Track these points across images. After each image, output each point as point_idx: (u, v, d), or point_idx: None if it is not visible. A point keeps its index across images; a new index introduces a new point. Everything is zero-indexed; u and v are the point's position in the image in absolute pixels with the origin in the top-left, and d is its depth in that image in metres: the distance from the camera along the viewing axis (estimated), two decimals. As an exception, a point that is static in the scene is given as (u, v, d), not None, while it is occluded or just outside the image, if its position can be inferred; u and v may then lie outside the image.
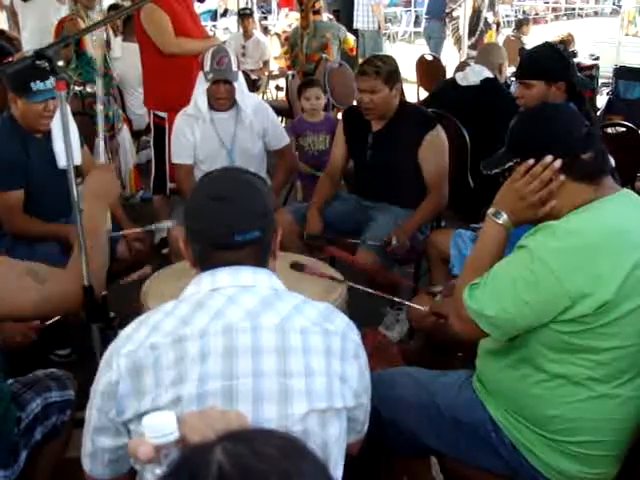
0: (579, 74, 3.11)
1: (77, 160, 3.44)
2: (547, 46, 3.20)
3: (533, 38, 8.91)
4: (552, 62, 2.98)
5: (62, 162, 2.59)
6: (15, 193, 3.14)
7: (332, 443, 1.39)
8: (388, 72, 3.31)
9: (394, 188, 3.44)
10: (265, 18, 14.50)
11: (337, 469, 1.43)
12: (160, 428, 0.86)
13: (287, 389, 1.33)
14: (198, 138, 3.68)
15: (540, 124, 1.83)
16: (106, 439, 1.39)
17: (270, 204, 1.52)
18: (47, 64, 1.73)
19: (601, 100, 6.73)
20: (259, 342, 1.35)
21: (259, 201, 1.48)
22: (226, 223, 1.43)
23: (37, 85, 2.91)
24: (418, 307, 2.52)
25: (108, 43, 5.06)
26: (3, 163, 3.11)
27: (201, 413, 0.90)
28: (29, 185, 3.17)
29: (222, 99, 3.58)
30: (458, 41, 8.57)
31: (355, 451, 1.63)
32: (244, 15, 8.07)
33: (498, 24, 9.12)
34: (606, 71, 7.01)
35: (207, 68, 3.52)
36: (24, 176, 3.15)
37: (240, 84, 3.62)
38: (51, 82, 2.33)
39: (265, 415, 1.32)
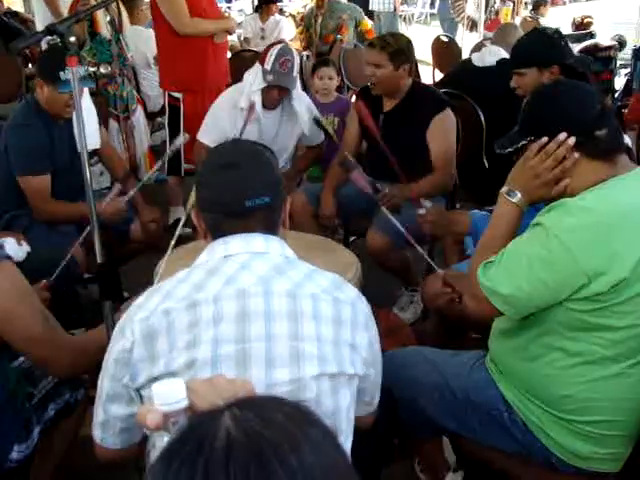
0: (580, 54, 3.10)
1: (96, 143, 3.46)
2: (536, 32, 3.21)
3: (551, 20, 8.81)
4: (541, 48, 3.00)
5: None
6: (43, 177, 3.16)
7: (342, 411, 1.40)
8: (395, 50, 3.28)
9: (405, 169, 3.42)
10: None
11: (347, 441, 1.44)
12: (169, 395, 0.87)
13: (298, 352, 1.35)
14: (238, 130, 3.62)
15: (553, 101, 1.81)
16: (119, 407, 1.41)
17: (279, 174, 1.53)
18: (58, 40, 1.73)
19: (619, 81, 6.65)
20: (271, 307, 1.36)
21: (268, 169, 1.50)
22: (236, 189, 1.44)
23: (66, 74, 2.91)
24: (434, 266, 2.49)
25: (121, 24, 5.04)
26: (31, 148, 3.13)
27: (208, 381, 0.91)
28: (53, 169, 3.19)
29: (274, 102, 3.55)
30: (468, 22, 8.49)
31: (368, 423, 1.64)
32: (269, 1, 7.89)
33: (514, 3, 9.03)
34: (625, 52, 6.92)
35: (268, 67, 3.41)
36: (49, 161, 3.17)
37: (297, 89, 3.57)
38: (81, 71, 2.33)
39: (278, 378, 1.33)
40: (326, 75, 4.37)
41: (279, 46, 3.49)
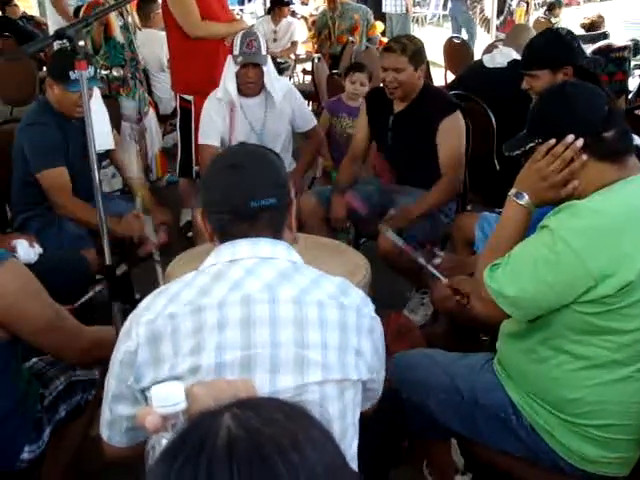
0: (593, 54, 3.04)
1: (110, 144, 3.48)
2: (548, 33, 3.14)
3: (565, 20, 8.77)
4: (554, 49, 2.92)
5: (96, 147, 2.60)
6: (63, 170, 3.15)
7: (348, 414, 1.41)
8: (414, 51, 3.28)
9: (415, 170, 3.42)
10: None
11: (353, 442, 1.45)
12: (168, 397, 0.87)
13: (303, 359, 1.34)
14: (228, 124, 3.69)
15: (561, 103, 1.80)
16: (124, 407, 1.41)
17: (285, 176, 1.53)
18: (67, 44, 1.74)
19: (633, 82, 6.59)
20: (277, 313, 1.36)
21: (273, 170, 1.50)
22: (241, 189, 1.44)
23: (76, 74, 2.93)
24: (439, 276, 2.47)
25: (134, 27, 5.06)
26: (47, 145, 3.13)
27: (207, 384, 0.91)
28: (68, 169, 3.19)
29: (251, 83, 3.60)
30: (485, 22, 8.46)
31: (369, 413, 1.63)
32: (281, 4, 7.90)
33: (528, 4, 8.97)
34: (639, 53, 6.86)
35: (236, 51, 3.53)
36: (65, 159, 3.18)
37: (269, 68, 3.63)
38: (90, 72, 2.34)
39: (282, 384, 1.33)
40: (359, 80, 4.40)
41: (242, 32, 3.61)
